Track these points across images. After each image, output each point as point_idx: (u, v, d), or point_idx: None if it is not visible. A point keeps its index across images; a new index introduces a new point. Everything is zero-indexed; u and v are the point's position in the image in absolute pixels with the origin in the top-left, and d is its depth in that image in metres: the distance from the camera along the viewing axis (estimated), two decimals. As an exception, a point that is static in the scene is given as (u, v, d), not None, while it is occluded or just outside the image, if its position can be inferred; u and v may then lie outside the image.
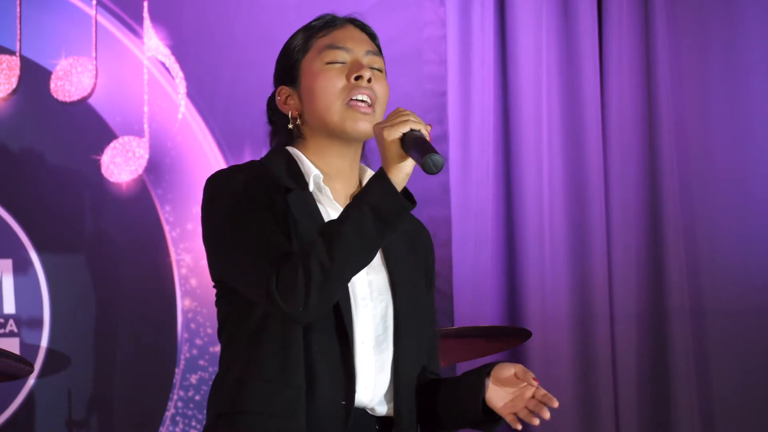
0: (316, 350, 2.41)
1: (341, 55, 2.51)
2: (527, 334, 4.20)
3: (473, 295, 5.15)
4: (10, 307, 4.77)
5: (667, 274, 5.26)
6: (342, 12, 2.64)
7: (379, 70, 2.54)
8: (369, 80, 2.50)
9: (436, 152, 2.30)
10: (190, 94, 4.94)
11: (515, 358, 5.18)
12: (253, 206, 2.41)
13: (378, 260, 2.52)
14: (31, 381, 4.73)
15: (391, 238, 2.42)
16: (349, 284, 2.43)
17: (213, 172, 2.51)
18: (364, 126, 2.49)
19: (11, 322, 4.76)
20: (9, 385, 4.63)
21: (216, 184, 2.47)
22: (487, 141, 5.21)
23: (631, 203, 5.31)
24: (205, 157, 4.93)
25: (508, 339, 4.22)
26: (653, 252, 5.29)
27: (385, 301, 2.49)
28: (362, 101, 2.49)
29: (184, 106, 4.94)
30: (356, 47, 2.53)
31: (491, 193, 5.22)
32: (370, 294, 2.48)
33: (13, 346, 4.73)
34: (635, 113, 5.34)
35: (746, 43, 5.38)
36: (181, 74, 4.93)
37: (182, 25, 4.96)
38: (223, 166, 4.86)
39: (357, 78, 2.49)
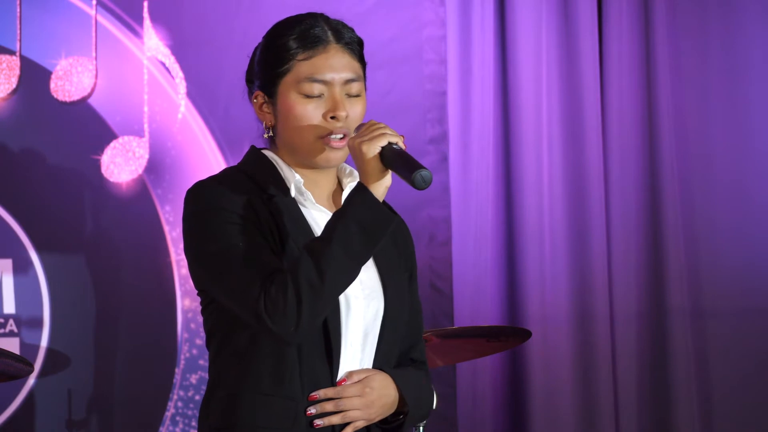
0: (308, 359, 2.41)
1: (318, 88, 2.47)
2: (527, 334, 4.20)
3: (473, 295, 5.15)
4: (10, 307, 4.77)
5: (667, 274, 5.26)
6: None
7: (357, 95, 2.50)
8: (346, 116, 2.47)
9: (422, 167, 2.31)
10: (190, 94, 4.94)
11: (515, 358, 5.19)
12: (237, 220, 2.39)
13: None
14: (31, 381, 4.73)
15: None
16: None
17: (200, 179, 2.49)
18: (335, 158, 2.48)
19: (11, 322, 4.76)
20: (9, 385, 4.63)
21: (197, 197, 2.45)
22: (487, 141, 5.21)
23: (631, 203, 5.31)
24: (205, 157, 4.93)
25: (508, 339, 4.22)
26: (653, 252, 5.29)
27: (377, 299, 2.49)
28: (337, 139, 2.47)
29: (184, 106, 4.94)
30: (336, 77, 2.48)
31: (491, 193, 5.22)
32: (362, 292, 2.47)
33: (13, 346, 4.73)
34: (635, 113, 5.33)
35: (746, 44, 5.38)
36: (181, 74, 4.93)
37: (182, 25, 4.96)
38: (223, 166, 4.86)
39: (333, 118, 2.47)
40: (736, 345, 5.31)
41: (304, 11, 2.58)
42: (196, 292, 2.52)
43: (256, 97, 2.56)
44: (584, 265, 5.24)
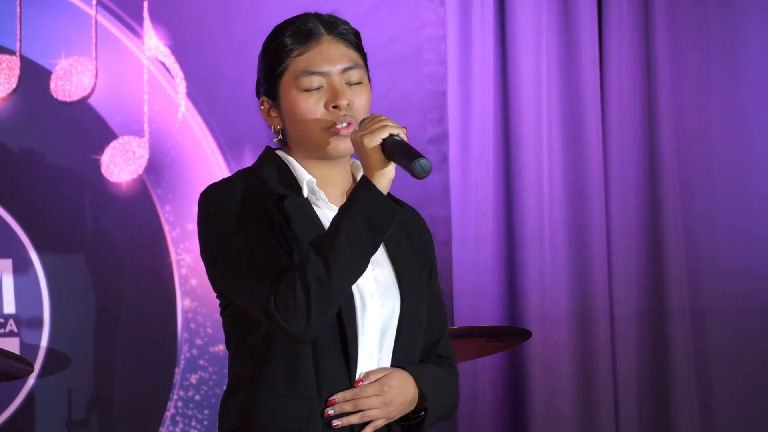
0: (324, 359, 2.41)
1: (317, 80, 2.48)
2: (527, 334, 4.20)
3: (473, 295, 5.15)
4: (10, 307, 4.77)
5: (667, 274, 5.25)
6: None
7: (358, 83, 2.51)
8: (348, 104, 2.48)
9: (422, 156, 2.32)
10: (190, 94, 4.94)
11: (515, 358, 5.18)
12: (248, 222, 2.41)
13: (381, 254, 2.51)
14: (31, 381, 4.73)
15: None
16: (355, 283, 2.42)
17: (213, 176, 2.52)
18: (345, 148, 2.48)
19: (11, 322, 4.76)
20: (9, 385, 4.63)
21: (210, 200, 2.46)
22: (487, 141, 5.21)
23: (631, 203, 5.30)
24: (205, 157, 4.93)
25: (508, 339, 4.22)
26: (653, 252, 5.28)
27: (393, 297, 2.48)
28: (343, 128, 2.48)
29: (184, 106, 4.94)
30: (332, 67, 2.49)
31: (491, 193, 5.22)
32: (377, 290, 2.47)
33: (13, 346, 4.73)
34: (635, 113, 5.33)
35: (746, 43, 5.38)
36: (181, 74, 4.93)
37: (182, 25, 4.96)
38: (223, 166, 4.86)
39: (335, 107, 2.47)
40: (736, 345, 5.31)
41: (304, 11, 2.58)
42: (215, 294, 2.52)
43: (262, 104, 2.57)
44: (584, 265, 5.24)
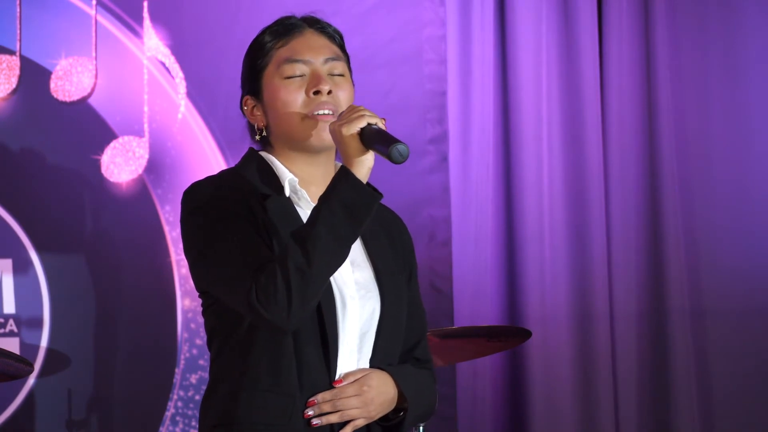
0: (306, 356, 2.42)
1: (300, 68, 2.50)
2: (527, 334, 4.20)
3: (473, 295, 5.15)
4: (10, 307, 4.77)
5: (667, 274, 5.26)
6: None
7: (341, 75, 2.52)
8: (329, 92, 2.49)
9: (399, 141, 2.33)
10: (190, 94, 4.94)
11: (515, 358, 5.19)
12: (231, 218, 2.41)
13: (362, 256, 2.53)
14: (31, 381, 4.73)
15: (368, 231, 2.44)
16: (336, 284, 2.44)
17: (197, 179, 2.51)
18: (326, 135, 2.48)
19: (11, 322, 4.77)
20: (9, 385, 4.64)
21: (193, 197, 2.47)
22: (487, 141, 5.21)
23: (631, 203, 5.31)
24: (205, 157, 4.93)
25: (508, 339, 4.23)
26: (653, 252, 5.29)
27: (374, 298, 2.50)
28: (324, 114, 2.49)
29: (184, 106, 4.94)
30: (315, 57, 2.51)
31: (491, 193, 5.22)
32: (357, 292, 2.48)
33: (13, 346, 4.73)
34: (635, 113, 5.34)
35: (746, 43, 5.38)
36: (181, 74, 4.93)
37: (182, 25, 4.96)
38: (223, 166, 4.86)
39: (316, 92, 2.49)
40: (736, 345, 5.31)
41: (303, 12, 2.60)
42: (198, 293, 2.53)
43: (245, 104, 2.57)
44: (584, 265, 5.24)
